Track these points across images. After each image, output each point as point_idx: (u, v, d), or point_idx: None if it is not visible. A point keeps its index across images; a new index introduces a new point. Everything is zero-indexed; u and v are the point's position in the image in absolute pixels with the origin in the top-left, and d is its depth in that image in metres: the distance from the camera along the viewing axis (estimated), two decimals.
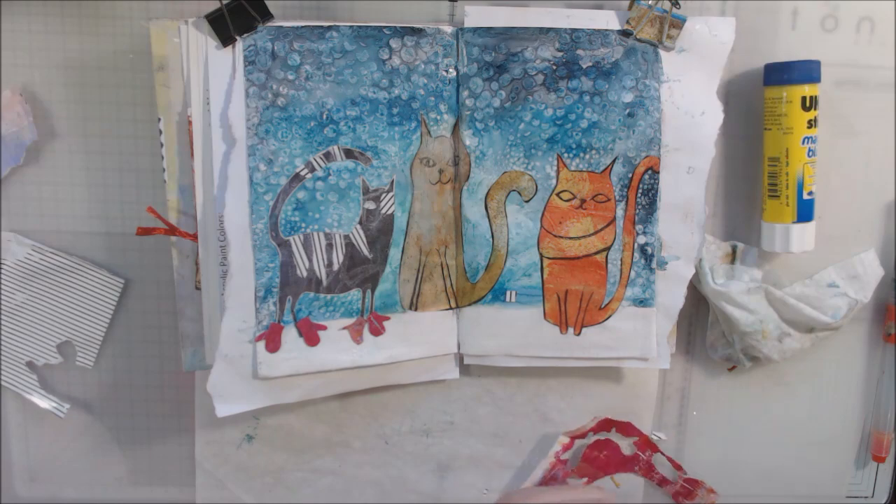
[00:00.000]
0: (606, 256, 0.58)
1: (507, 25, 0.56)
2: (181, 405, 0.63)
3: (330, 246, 0.56)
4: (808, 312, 0.60)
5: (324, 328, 0.57)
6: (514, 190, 0.58)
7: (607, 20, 0.56)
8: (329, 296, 0.57)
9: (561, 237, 0.58)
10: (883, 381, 0.65)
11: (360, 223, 0.56)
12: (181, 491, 0.66)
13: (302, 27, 0.54)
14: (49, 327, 0.62)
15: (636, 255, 0.58)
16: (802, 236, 0.59)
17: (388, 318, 0.58)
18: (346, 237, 0.56)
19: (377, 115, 0.56)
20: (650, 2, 0.55)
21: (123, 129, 0.59)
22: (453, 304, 0.60)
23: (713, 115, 0.57)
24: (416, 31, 0.55)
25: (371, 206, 0.57)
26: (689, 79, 0.57)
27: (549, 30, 0.56)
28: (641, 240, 0.58)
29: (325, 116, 0.55)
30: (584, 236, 0.58)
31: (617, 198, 0.58)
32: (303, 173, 0.55)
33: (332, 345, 0.57)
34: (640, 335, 0.59)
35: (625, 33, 0.56)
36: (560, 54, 0.56)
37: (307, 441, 0.64)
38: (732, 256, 0.61)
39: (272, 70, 0.54)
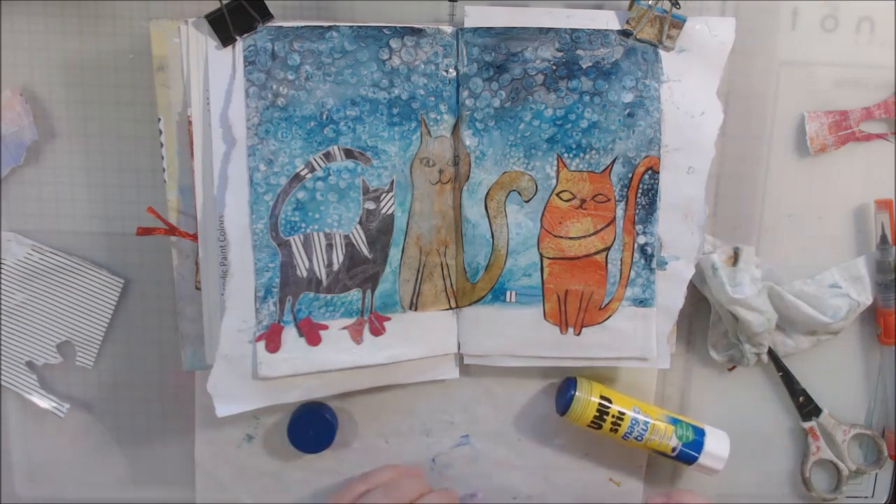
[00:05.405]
0: (606, 256, 0.58)
1: (507, 25, 0.56)
2: (181, 405, 0.63)
3: (330, 246, 0.56)
4: (806, 311, 0.60)
5: (325, 328, 0.57)
6: (514, 190, 0.58)
7: (607, 20, 0.56)
8: (329, 296, 0.57)
9: (561, 237, 0.58)
10: (881, 381, 0.65)
11: (360, 223, 0.56)
12: (181, 491, 0.65)
13: (302, 27, 0.54)
14: (49, 327, 0.62)
15: (636, 255, 0.58)
16: None
17: (388, 319, 0.58)
18: (346, 237, 0.56)
19: (377, 115, 0.56)
20: (650, 2, 0.55)
21: (123, 129, 0.59)
22: (453, 304, 0.60)
23: (713, 115, 0.57)
24: (416, 31, 0.55)
25: (371, 206, 0.57)
26: (689, 79, 0.57)
27: (549, 30, 0.56)
28: (641, 240, 0.58)
29: (325, 116, 0.55)
30: (584, 236, 0.58)
31: (617, 198, 0.58)
32: (303, 173, 0.55)
33: (332, 345, 0.57)
34: (640, 335, 0.59)
35: (625, 33, 0.56)
36: (560, 54, 0.56)
37: None
38: (734, 259, 0.61)
39: (272, 70, 0.54)
